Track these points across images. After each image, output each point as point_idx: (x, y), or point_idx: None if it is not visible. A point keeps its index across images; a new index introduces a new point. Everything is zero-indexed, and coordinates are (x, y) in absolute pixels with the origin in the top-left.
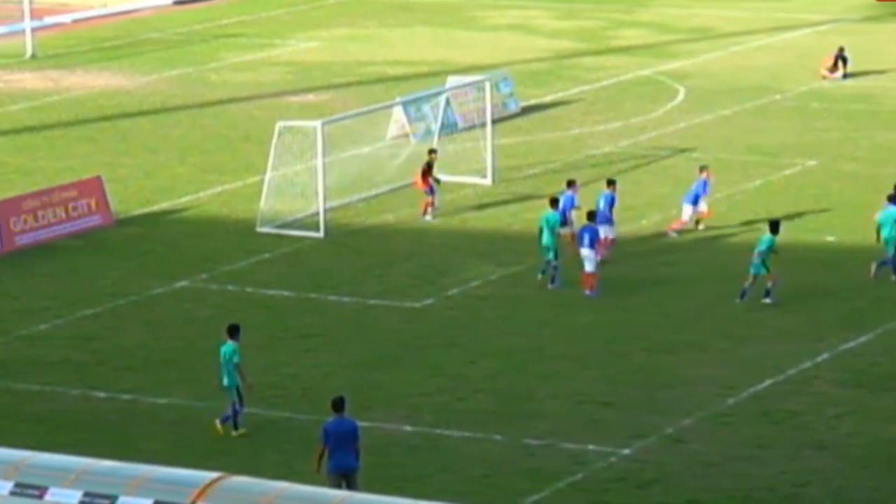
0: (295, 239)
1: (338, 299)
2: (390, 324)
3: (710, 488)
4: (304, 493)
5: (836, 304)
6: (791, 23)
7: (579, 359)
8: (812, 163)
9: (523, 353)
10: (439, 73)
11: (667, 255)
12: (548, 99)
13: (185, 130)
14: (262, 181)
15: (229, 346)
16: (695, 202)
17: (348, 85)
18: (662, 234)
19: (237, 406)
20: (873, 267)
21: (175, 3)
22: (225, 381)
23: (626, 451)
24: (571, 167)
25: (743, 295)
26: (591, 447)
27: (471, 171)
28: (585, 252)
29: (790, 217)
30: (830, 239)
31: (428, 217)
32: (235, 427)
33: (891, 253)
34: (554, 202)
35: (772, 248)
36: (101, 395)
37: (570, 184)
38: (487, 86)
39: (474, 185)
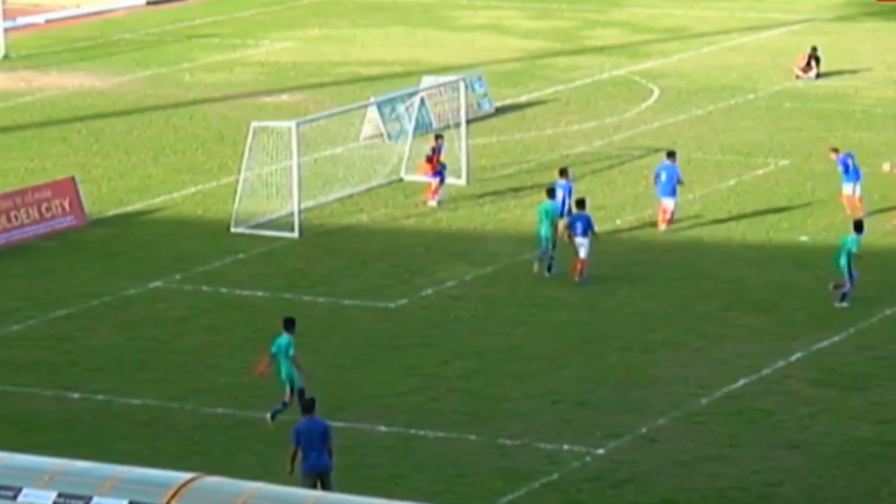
0: (269, 239)
1: (312, 299)
2: (364, 324)
3: (683, 488)
4: (278, 493)
5: (810, 303)
6: (764, 22)
7: (553, 358)
8: (785, 162)
9: (497, 352)
10: (413, 74)
11: (641, 255)
12: (522, 99)
13: (159, 131)
14: (236, 181)
15: (285, 338)
16: (672, 193)
17: (322, 85)
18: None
19: (285, 400)
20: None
21: (148, 4)
22: (283, 374)
23: (601, 451)
24: (546, 167)
25: (843, 297)
26: (565, 447)
27: (446, 172)
28: (580, 240)
29: (763, 216)
30: (803, 238)
31: (433, 202)
32: (273, 417)
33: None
34: (550, 192)
35: (854, 250)
36: (75, 395)
37: (563, 172)
38: (462, 86)
39: (449, 185)
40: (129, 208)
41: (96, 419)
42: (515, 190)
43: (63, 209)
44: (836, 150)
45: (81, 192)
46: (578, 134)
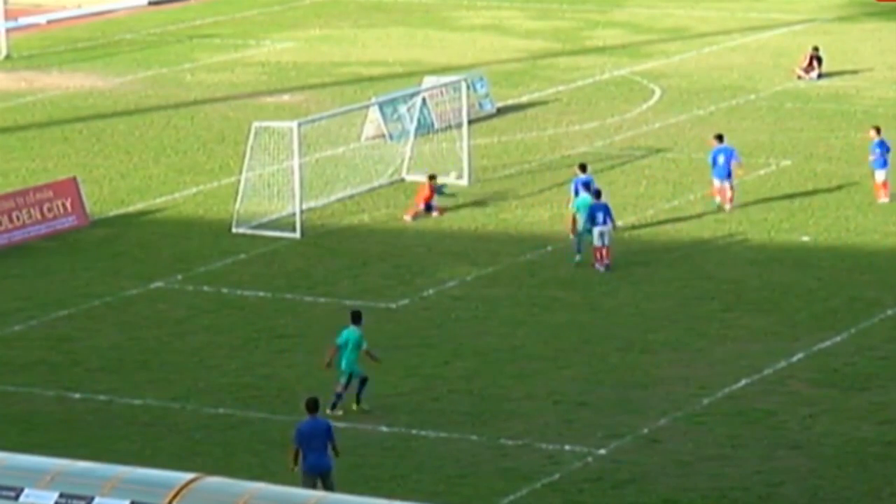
0: (270, 239)
1: (313, 300)
2: (366, 324)
3: (685, 488)
4: (279, 493)
5: (811, 303)
6: (765, 23)
7: (554, 359)
8: (786, 163)
9: (498, 353)
10: (414, 74)
11: (641, 255)
12: (523, 99)
13: (160, 131)
14: (237, 182)
15: (353, 331)
16: (730, 175)
17: (324, 85)
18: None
19: (341, 390)
20: None
21: (149, 4)
22: (342, 366)
23: (602, 451)
24: (547, 167)
25: None
26: (566, 447)
27: (447, 172)
28: (602, 228)
29: (764, 217)
30: (805, 239)
31: (408, 218)
32: (333, 407)
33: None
34: (586, 186)
35: None
36: (76, 396)
37: (584, 168)
38: (463, 86)
39: (450, 186)
40: (131, 209)
41: (97, 419)
42: (517, 190)
43: (64, 209)
44: (878, 131)
45: (83, 192)
46: (579, 134)
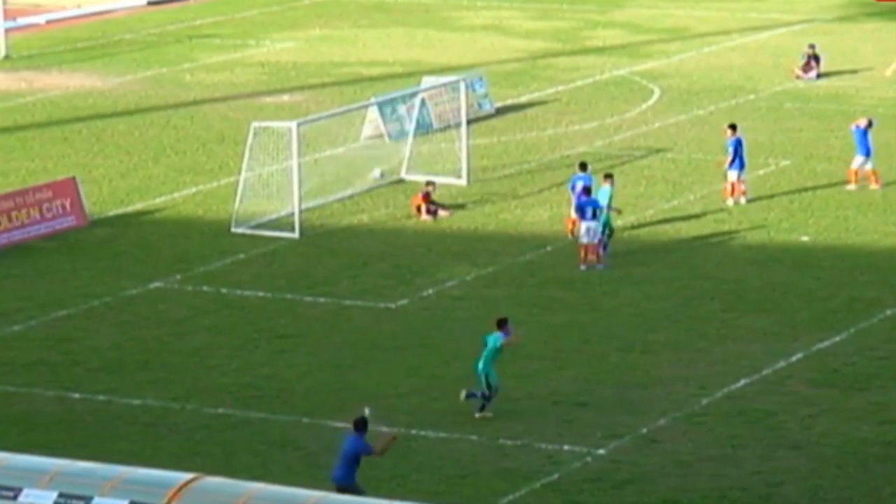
0: (270, 239)
1: (313, 300)
2: (365, 324)
3: (684, 488)
4: (279, 493)
5: (811, 303)
6: (765, 23)
7: (554, 359)
8: (786, 163)
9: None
10: (414, 74)
11: (641, 255)
12: (523, 99)
13: (160, 131)
14: (236, 182)
15: (497, 336)
16: (741, 166)
17: (323, 85)
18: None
19: (485, 392)
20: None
21: (149, 4)
22: (480, 367)
23: (602, 452)
24: (547, 167)
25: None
26: (566, 447)
27: (446, 172)
28: (589, 224)
29: (764, 217)
30: (804, 239)
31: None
32: (481, 409)
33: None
34: (607, 178)
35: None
36: (76, 396)
37: (584, 167)
38: (462, 86)
39: (449, 186)
40: (130, 209)
41: (97, 419)
42: (516, 190)
43: (64, 209)
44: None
45: (82, 192)
46: (579, 134)
